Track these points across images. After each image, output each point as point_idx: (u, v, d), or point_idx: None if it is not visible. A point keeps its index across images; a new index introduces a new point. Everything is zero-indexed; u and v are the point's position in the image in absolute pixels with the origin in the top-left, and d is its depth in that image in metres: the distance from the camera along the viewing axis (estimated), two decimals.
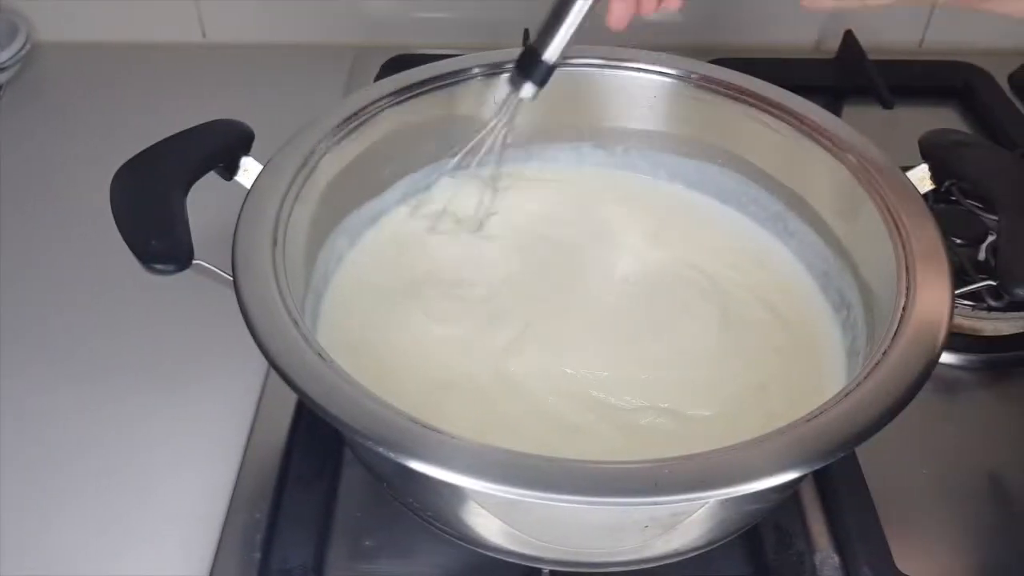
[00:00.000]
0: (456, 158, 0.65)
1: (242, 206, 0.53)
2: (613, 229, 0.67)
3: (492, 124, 0.63)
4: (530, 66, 0.60)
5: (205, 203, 0.54)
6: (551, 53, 0.59)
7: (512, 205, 0.68)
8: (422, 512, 0.52)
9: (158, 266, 0.48)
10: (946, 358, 0.67)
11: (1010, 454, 0.62)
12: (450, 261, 0.64)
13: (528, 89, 0.61)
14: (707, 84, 0.65)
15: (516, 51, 0.64)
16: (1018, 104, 0.92)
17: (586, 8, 0.57)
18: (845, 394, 0.44)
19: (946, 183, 0.57)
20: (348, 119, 0.60)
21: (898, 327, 0.47)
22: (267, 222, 0.52)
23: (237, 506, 0.57)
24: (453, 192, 0.67)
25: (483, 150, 0.64)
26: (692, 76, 0.65)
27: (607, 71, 0.67)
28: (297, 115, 0.60)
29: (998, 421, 0.64)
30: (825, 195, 0.61)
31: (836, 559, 0.55)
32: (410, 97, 0.63)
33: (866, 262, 0.57)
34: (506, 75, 0.62)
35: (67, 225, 0.78)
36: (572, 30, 0.58)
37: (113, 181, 0.51)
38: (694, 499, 0.41)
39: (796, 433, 0.42)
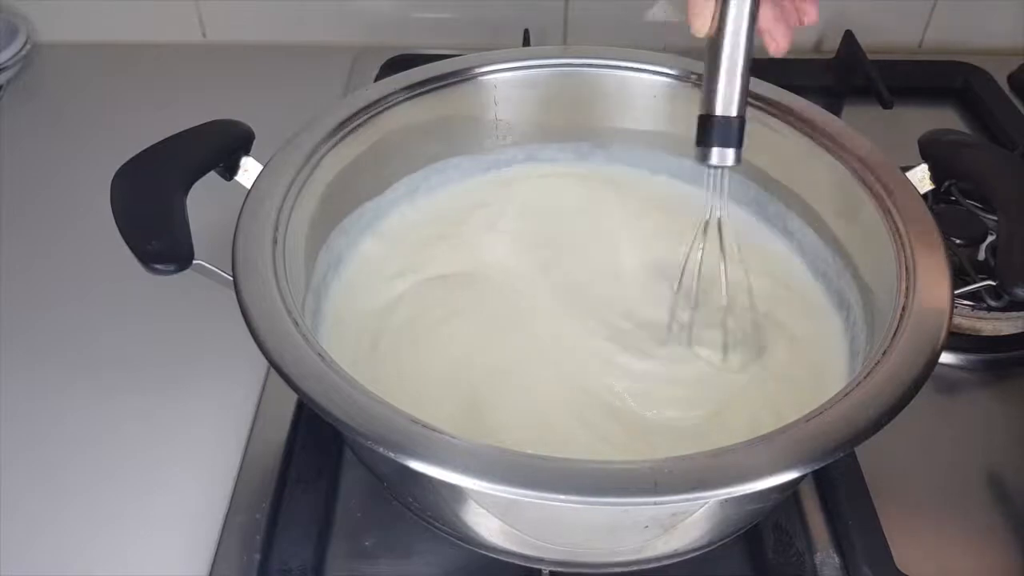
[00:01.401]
0: (683, 266, 0.58)
1: (242, 206, 0.53)
2: (613, 229, 0.67)
3: (708, 215, 0.56)
4: (708, 131, 0.51)
5: (205, 203, 0.54)
6: (724, 106, 0.50)
7: (512, 206, 0.68)
8: (422, 512, 0.52)
9: (158, 266, 0.48)
10: (946, 358, 0.67)
11: (1010, 454, 0.62)
12: (451, 261, 0.64)
13: (719, 154, 0.51)
14: None
15: (516, 51, 0.64)
16: (1018, 104, 0.92)
17: (742, 42, 0.49)
18: (845, 394, 0.44)
19: (946, 183, 0.57)
20: (348, 119, 0.60)
21: (898, 327, 0.47)
22: (267, 222, 0.52)
23: (237, 506, 0.57)
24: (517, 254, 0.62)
25: (703, 243, 0.57)
26: (692, 76, 0.65)
27: (607, 71, 0.67)
28: (297, 115, 0.60)
29: (998, 421, 0.64)
30: (825, 195, 0.61)
31: (836, 559, 0.55)
32: (410, 97, 0.63)
33: (866, 262, 0.57)
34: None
35: (67, 225, 0.78)
36: (737, 72, 0.50)
37: (113, 181, 0.51)
38: (694, 499, 0.41)
39: (796, 433, 0.42)
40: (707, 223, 0.56)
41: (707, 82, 0.51)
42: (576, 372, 0.57)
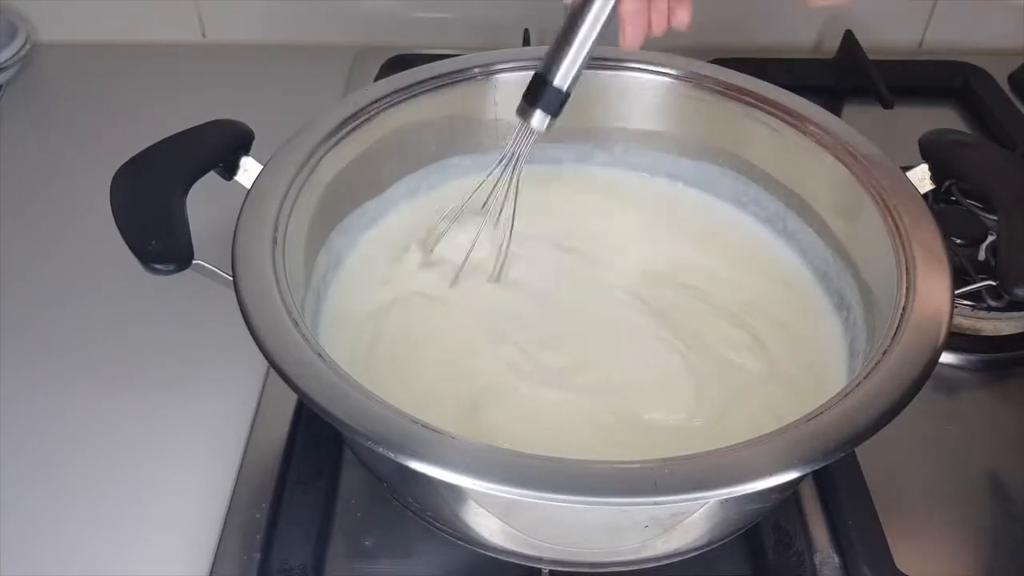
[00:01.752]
0: (464, 201, 0.62)
1: (242, 206, 0.53)
2: (613, 229, 0.67)
3: (502, 161, 0.59)
4: (540, 93, 0.55)
5: (205, 203, 0.54)
6: (561, 78, 0.54)
7: (511, 205, 0.68)
8: (422, 512, 0.52)
9: (158, 266, 0.48)
10: (946, 358, 0.67)
11: (1010, 454, 0.62)
12: (450, 262, 0.64)
13: (539, 119, 0.56)
14: (707, 84, 0.65)
15: (516, 51, 0.64)
16: (1018, 104, 0.92)
17: (596, 29, 0.53)
18: (845, 394, 0.44)
19: (946, 183, 0.57)
20: (348, 119, 0.60)
21: (898, 327, 0.47)
22: (267, 222, 0.52)
23: (237, 506, 0.57)
24: (464, 238, 0.62)
25: (494, 190, 0.60)
26: (692, 76, 0.65)
27: (607, 71, 0.67)
28: (297, 115, 0.60)
29: (998, 421, 0.64)
30: (825, 195, 0.61)
31: (836, 559, 0.55)
32: (410, 97, 0.63)
33: (866, 262, 0.57)
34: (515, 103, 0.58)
35: (67, 225, 0.78)
36: (584, 52, 0.54)
37: (113, 181, 0.51)
38: (694, 499, 0.41)
39: (796, 433, 0.42)
40: (502, 173, 0.59)
41: (555, 47, 0.54)
42: (575, 375, 0.57)
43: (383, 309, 0.60)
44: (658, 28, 0.54)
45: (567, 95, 0.55)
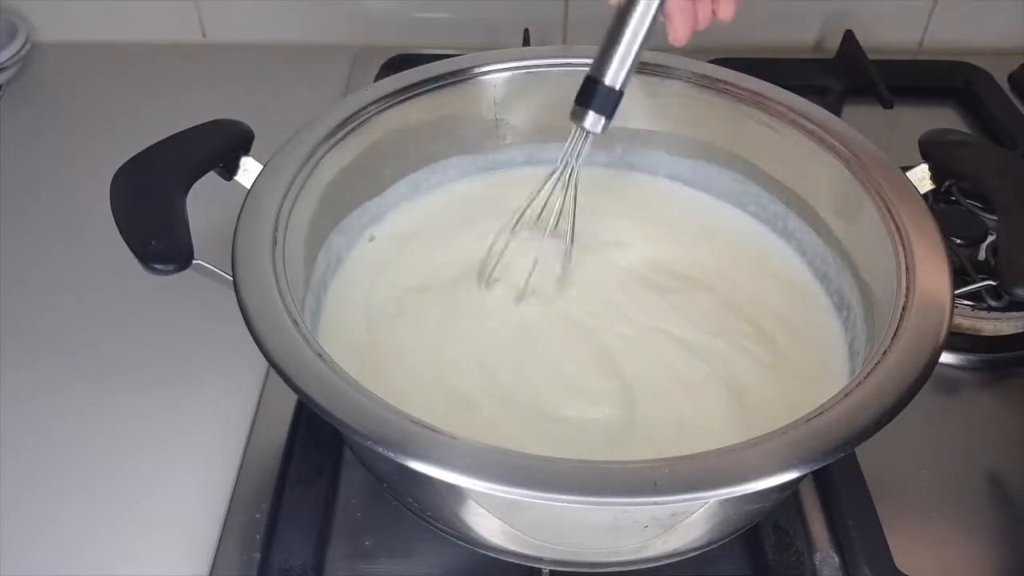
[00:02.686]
0: (521, 213, 0.60)
1: (242, 206, 0.53)
2: (613, 229, 0.67)
3: (559, 170, 0.58)
4: (592, 95, 0.54)
5: (205, 203, 0.54)
6: (612, 77, 0.53)
7: (511, 205, 0.68)
8: (422, 512, 0.52)
9: (158, 266, 0.48)
10: (946, 358, 0.67)
11: (1010, 454, 0.62)
12: (450, 262, 0.64)
13: (592, 120, 0.54)
14: (708, 84, 0.65)
15: (516, 51, 0.64)
16: (1018, 104, 0.92)
17: (645, 25, 0.52)
18: (845, 394, 0.44)
19: (946, 183, 0.57)
20: (348, 119, 0.60)
21: (898, 327, 0.47)
22: (267, 222, 0.52)
23: (237, 506, 0.57)
24: (522, 254, 0.61)
25: (549, 200, 0.59)
26: (692, 76, 0.65)
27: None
28: (297, 115, 0.60)
29: (998, 421, 0.64)
30: (825, 195, 0.61)
31: (836, 559, 0.55)
32: (410, 97, 0.63)
33: (866, 262, 0.57)
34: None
35: (67, 225, 0.78)
36: (634, 49, 0.52)
37: (113, 181, 0.51)
38: (694, 499, 0.41)
39: (796, 433, 0.42)
40: (558, 177, 0.58)
41: (605, 47, 0.53)
42: (575, 373, 0.57)
43: (384, 308, 0.60)
44: (703, 22, 0.54)
45: (620, 94, 0.54)
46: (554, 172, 0.59)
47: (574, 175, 0.58)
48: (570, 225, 0.60)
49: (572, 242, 0.61)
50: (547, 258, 0.63)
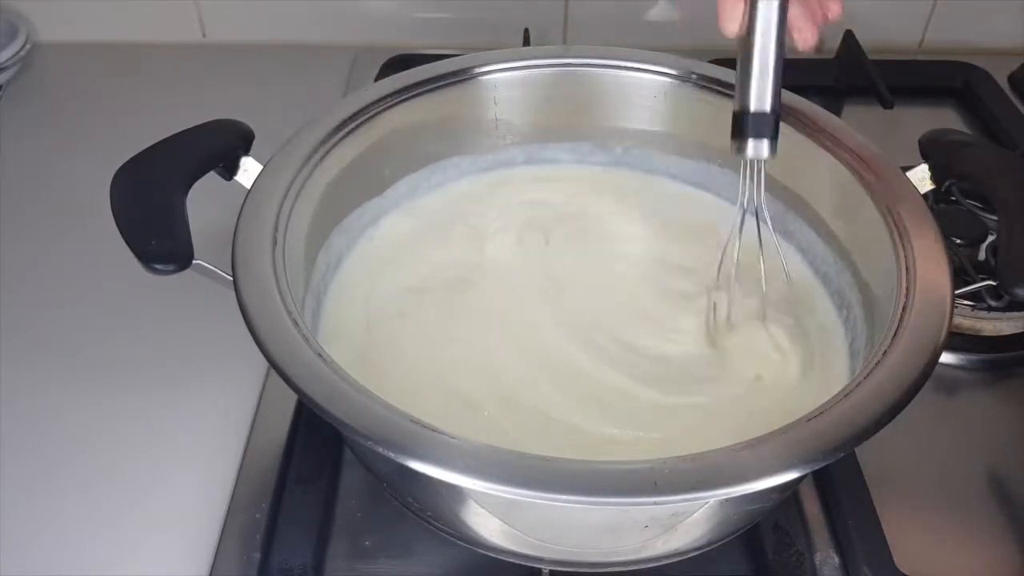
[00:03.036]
0: (721, 263, 0.59)
1: (242, 206, 0.53)
2: (613, 229, 0.67)
3: (742, 202, 0.56)
4: (742, 126, 0.52)
5: (205, 203, 0.54)
6: (757, 102, 0.52)
7: (512, 205, 0.68)
8: (422, 512, 0.52)
9: (158, 266, 0.48)
10: (946, 358, 0.67)
11: (1010, 454, 0.62)
12: (450, 262, 0.64)
13: (753, 146, 0.52)
14: (707, 84, 0.65)
15: (516, 51, 0.64)
16: (1018, 104, 0.92)
17: (773, 37, 0.51)
18: (845, 394, 0.44)
19: (946, 183, 0.57)
20: (348, 119, 0.60)
21: (898, 327, 0.47)
22: (267, 222, 0.52)
23: (237, 506, 0.57)
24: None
25: (739, 235, 0.57)
26: (692, 76, 0.65)
27: (607, 71, 0.67)
28: (297, 115, 0.60)
29: (998, 421, 0.64)
30: (825, 195, 0.61)
31: (836, 559, 0.55)
32: (410, 97, 0.63)
33: (866, 262, 0.57)
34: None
35: (67, 225, 0.78)
36: (770, 65, 0.51)
37: (113, 181, 0.51)
38: (694, 499, 0.41)
39: (796, 433, 0.42)
40: (744, 214, 0.57)
41: (740, 80, 0.52)
42: (575, 374, 0.57)
43: (383, 308, 0.60)
44: (821, 19, 0.53)
45: (775, 114, 0.52)
46: (738, 218, 0.57)
47: (759, 207, 0.56)
48: (762, 263, 0.58)
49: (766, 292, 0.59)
50: (544, 257, 0.63)
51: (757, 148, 0.53)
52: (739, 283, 0.59)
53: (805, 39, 0.53)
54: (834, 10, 0.53)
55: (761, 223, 0.57)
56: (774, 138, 0.53)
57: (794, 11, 0.52)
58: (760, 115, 0.52)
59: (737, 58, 0.52)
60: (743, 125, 0.52)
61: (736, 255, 0.58)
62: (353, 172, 0.61)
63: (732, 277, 0.59)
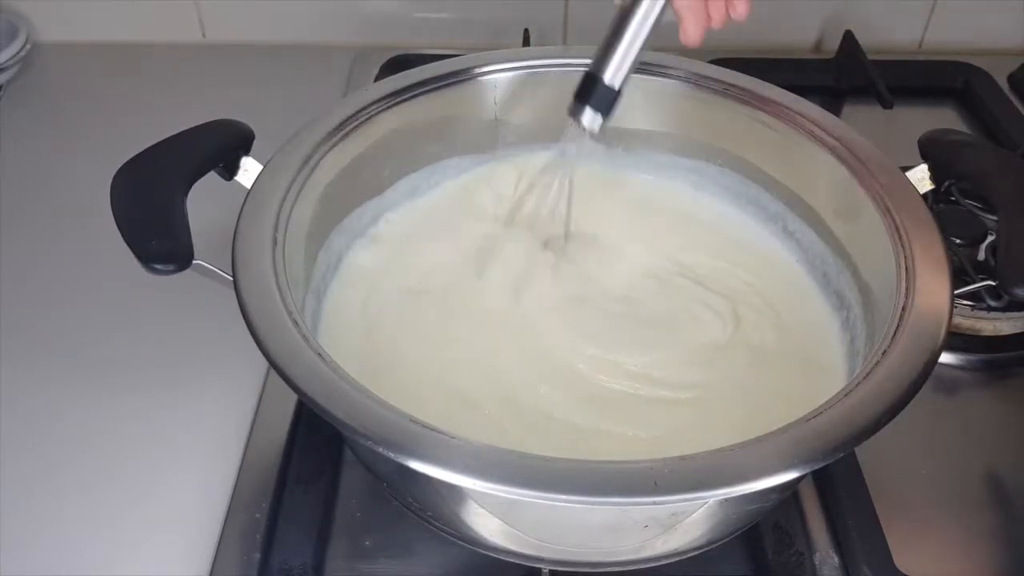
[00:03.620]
0: (510, 207, 0.59)
1: (242, 206, 0.53)
2: (613, 229, 0.67)
3: (554, 164, 0.57)
4: (591, 91, 0.53)
5: (205, 203, 0.54)
6: (612, 75, 0.52)
7: (511, 205, 0.68)
8: (422, 512, 0.52)
9: (158, 266, 0.48)
10: (946, 358, 0.67)
11: (1010, 454, 0.62)
12: (449, 262, 0.64)
13: (590, 117, 0.54)
14: (707, 84, 0.65)
15: (516, 51, 0.64)
16: (1018, 104, 0.92)
17: (649, 22, 0.51)
18: (845, 394, 0.44)
19: (946, 183, 0.57)
20: (348, 119, 0.60)
21: (898, 327, 0.47)
22: (267, 222, 0.52)
23: (237, 506, 0.57)
24: (515, 254, 0.61)
25: (547, 199, 0.58)
26: (692, 76, 0.65)
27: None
28: (297, 115, 0.60)
29: (998, 421, 0.64)
30: (825, 195, 0.61)
31: (836, 559, 0.55)
32: (410, 97, 0.63)
33: (866, 262, 0.57)
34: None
35: (67, 225, 0.78)
36: (635, 49, 0.52)
37: (113, 181, 0.51)
38: (694, 499, 0.41)
39: (796, 433, 0.42)
40: (553, 175, 0.58)
41: (606, 45, 0.52)
42: (575, 374, 0.57)
43: (383, 308, 0.60)
44: (717, 21, 0.53)
45: (618, 94, 0.53)
46: (550, 169, 0.58)
47: (569, 173, 0.58)
48: (564, 224, 0.60)
49: (567, 240, 0.60)
50: (544, 256, 0.63)
51: (592, 120, 0.54)
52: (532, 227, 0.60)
53: (687, 34, 0.52)
54: (738, 9, 0.52)
55: (565, 186, 0.59)
56: (608, 116, 0.54)
57: (683, 4, 0.51)
58: (608, 90, 0.53)
59: (612, 21, 0.52)
60: (590, 90, 0.53)
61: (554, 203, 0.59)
62: (353, 172, 0.61)
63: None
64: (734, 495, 0.41)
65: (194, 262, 0.49)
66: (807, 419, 0.43)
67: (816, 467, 0.42)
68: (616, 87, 0.53)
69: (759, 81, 0.64)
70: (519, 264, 0.63)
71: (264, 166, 0.56)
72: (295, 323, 0.47)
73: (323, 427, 0.58)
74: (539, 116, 0.68)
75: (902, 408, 0.43)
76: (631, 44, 0.52)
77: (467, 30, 0.98)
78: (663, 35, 0.54)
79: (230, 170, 0.56)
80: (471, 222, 0.66)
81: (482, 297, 0.61)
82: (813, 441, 0.42)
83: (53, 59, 0.98)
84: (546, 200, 0.60)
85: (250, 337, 0.46)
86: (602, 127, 0.55)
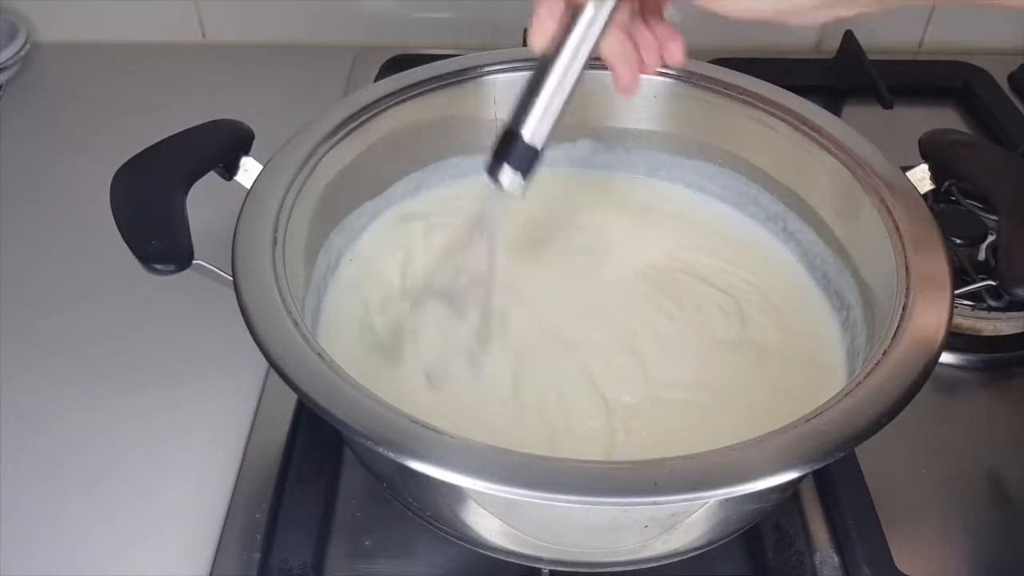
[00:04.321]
0: (434, 275, 0.55)
1: (242, 206, 0.53)
2: (613, 230, 0.67)
3: (475, 229, 0.51)
4: (508, 148, 0.46)
5: (205, 203, 0.54)
6: (532, 133, 0.45)
7: (511, 206, 0.68)
8: (422, 512, 0.52)
9: (158, 266, 0.48)
10: (946, 358, 0.67)
11: (1010, 454, 0.62)
12: (449, 262, 0.64)
13: (509, 178, 0.46)
14: (707, 84, 0.65)
15: (516, 51, 0.63)
16: (1018, 104, 0.92)
17: (573, 72, 0.45)
18: (845, 394, 0.44)
19: (946, 183, 0.57)
20: (348, 119, 0.60)
21: (898, 327, 0.47)
22: (267, 222, 0.52)
23: (237, 506, 0.57)
24: (435, 330, 0.57)
25: (467, 274, 0.53)
26: (692, 76, 0.65)
27: (607, 71, 0.66)
28: (297, 115, 0.60)
29: (998, 421, 0.64)
30: (825, 195, 0.61)
31: (836, 559, 0.55)
32: (410, 97, 0.63)
33: (866, 262, 0.57)
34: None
35: (67, 225, 0.78)
36: (559, 101, 0.45)
37: (113, 181, 0.51)
38: (694, 499, 0.41)
39: (796, 433, 0.42)
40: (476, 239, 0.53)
41: (525, 97, 0.46)
42: (573, 373, 0.57)
43: (383, 309, 0.60)
44: (651, 66, 0.48)
45: (538, 153, 0.46)
46: (468, 234, 0.53)
47: (492, 239, 0.52)
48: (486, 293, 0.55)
49: (486, 339, 0.57)
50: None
51: (512, 182, 0.47)
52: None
53: (622, 82, 0.47)
54: (673, 53, 0.47)
55: (488, 278, 0.54)
56: (526, 176, 0.47)
57: (613, 48, 0.46)
58: (530, 148, 0.46)
59: (531, 72, 0.46)
60: (509, 147, 0.46)
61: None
62: (353, 172, 0.61)
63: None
64: (734, 495, 0.41)
65: (194, 262, 0.49)
66: (807, 419, 0.43)
67: (816, 467, 0.42)
68: (538, 146, 0.46)
69: (759, 81, 0.64)
70: (519, 264, 0.63)
71: (264, 166, 0.56)
72: (295, 323, 0.46)
73: (323, 427, 0.58)
74: None
75: (902, 408, 0.43)
76: (552, 97, 0.45)
77: (467, 30, 0.98)
78: (652, 74, 0.52)
79: (230, 170, 0.56)
80: (471, 223, 0.66)
81: (481, 299, 0.61)
82: (813, 441, 0.42)
83: (53, 59, 0.98)
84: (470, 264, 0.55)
85: (250, 337, 0.46)
86: (522, 191, 0.47)
